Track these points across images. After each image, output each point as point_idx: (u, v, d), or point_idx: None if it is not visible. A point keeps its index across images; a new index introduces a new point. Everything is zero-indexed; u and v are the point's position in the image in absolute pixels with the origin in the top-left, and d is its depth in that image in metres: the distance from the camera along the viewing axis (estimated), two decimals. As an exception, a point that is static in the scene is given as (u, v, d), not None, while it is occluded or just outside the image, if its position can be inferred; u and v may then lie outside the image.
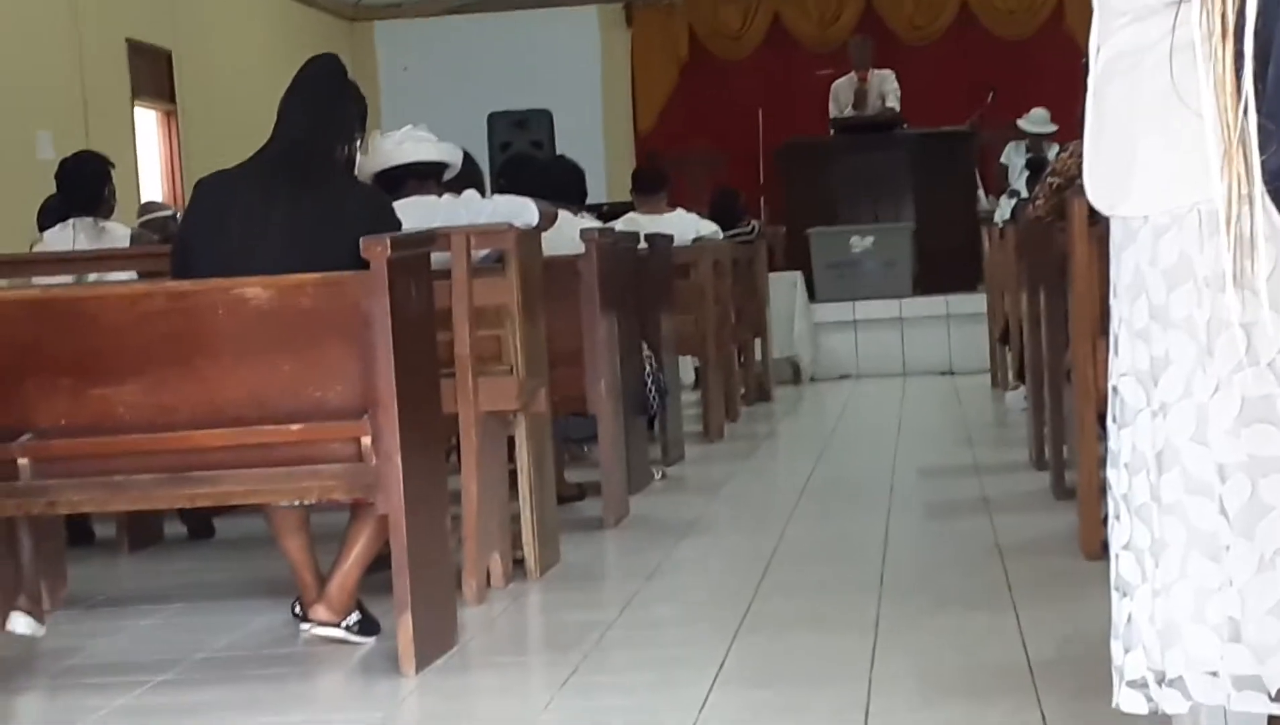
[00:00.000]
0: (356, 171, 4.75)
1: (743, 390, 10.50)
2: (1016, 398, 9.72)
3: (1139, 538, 2.38)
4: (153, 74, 12.28)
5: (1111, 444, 2.46)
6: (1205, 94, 2.00)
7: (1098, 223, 4.94)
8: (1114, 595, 2.42)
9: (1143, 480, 2.37)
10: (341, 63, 4.78)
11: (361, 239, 4.05)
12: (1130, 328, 2.40)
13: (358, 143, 4.66)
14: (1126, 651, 2.36)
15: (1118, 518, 2.44)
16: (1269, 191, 2.01)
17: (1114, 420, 2.46)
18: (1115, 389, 2.45)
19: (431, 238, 4.49)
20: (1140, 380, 2.38)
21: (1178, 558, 2.30)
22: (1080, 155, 6.25)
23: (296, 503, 4.53)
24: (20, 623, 4.47)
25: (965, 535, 5.62)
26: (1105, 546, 4.87)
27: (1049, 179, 5.90)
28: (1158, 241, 2.33)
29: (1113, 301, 2.47)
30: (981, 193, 14.58)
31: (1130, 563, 2.39)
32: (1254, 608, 2.24)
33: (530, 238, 5.28)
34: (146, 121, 12.32)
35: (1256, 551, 2.25)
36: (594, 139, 15.82)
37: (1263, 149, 1.99)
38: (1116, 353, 2.45)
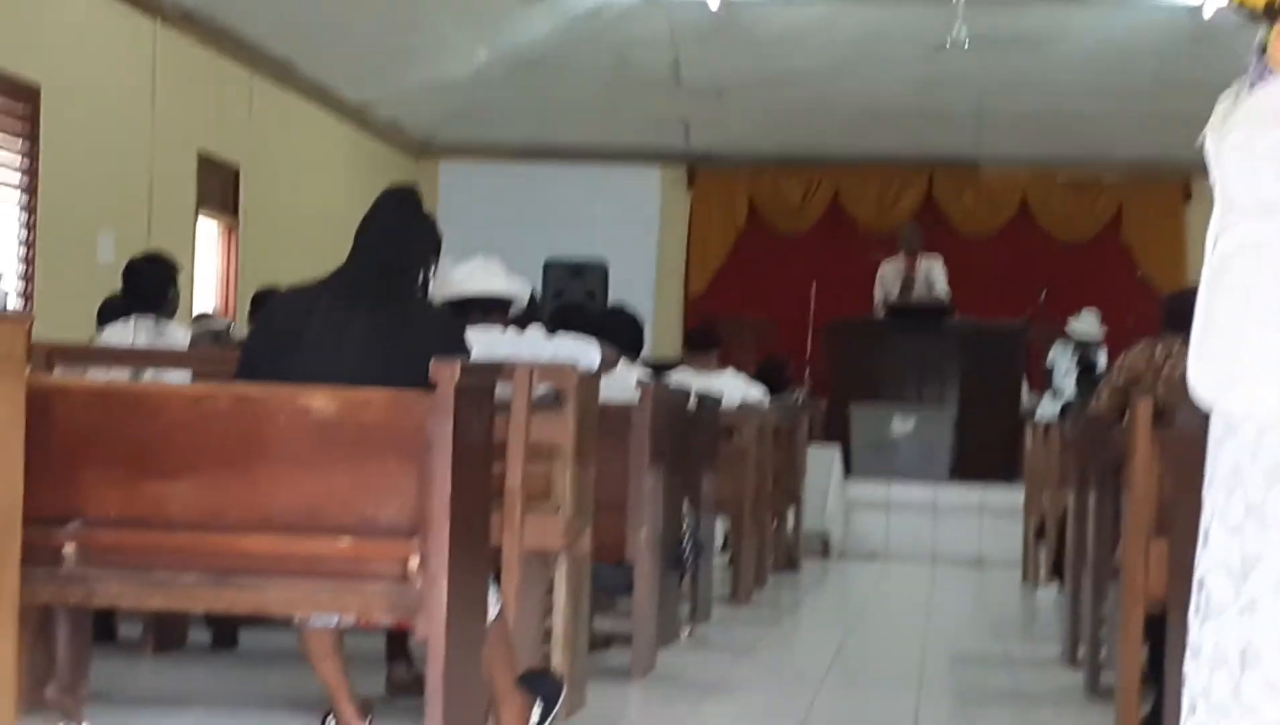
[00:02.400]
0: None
1: (771, 558, 10.42)
2: (1049, 594, 9.65)
3: (1215, 734, 2.34)
4: (219, 187, 12.40)
5: (1192, 637, 2.42)
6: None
7: (1160, 426, 4.91)
8: (1185, 790, 2.37)
9: (1225, 676, 2.33)
10: (419, 193, 4.84)
11: (431, 361, 4.05)
12: (1224, 522, 2.37)
13: (432, 270, 4.69)
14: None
15: (1193, 712, 2.40)
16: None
17: (1196, 612, 2.42)
18: (1201, 582, 2.42)
19: (499, 368, 4.49)
20: (1230, 575, 2.35)
21: (1254, 757, 2.26)
22: (1148, 355, 6.21)
23: (334, 622, 4.51)
24: None
25: (996, 726, 5.55)
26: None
27: (1114, 377, 5.87)
28: (1261, 438, 2.31)
29: (1206, 493, 2.45)
30: (1024, 388, 14.58)
31: (1205, 759, 2.34)
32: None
33: (590, 380, 5.28)
34: (208, 232, 12.42)
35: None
36: (645, 294, 15.90)
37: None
38: (1206, 545, 2.42)
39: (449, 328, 4.55)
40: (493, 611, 4.46)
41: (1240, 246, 2.37)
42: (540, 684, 4.76)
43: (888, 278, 14.48)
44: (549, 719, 4.74)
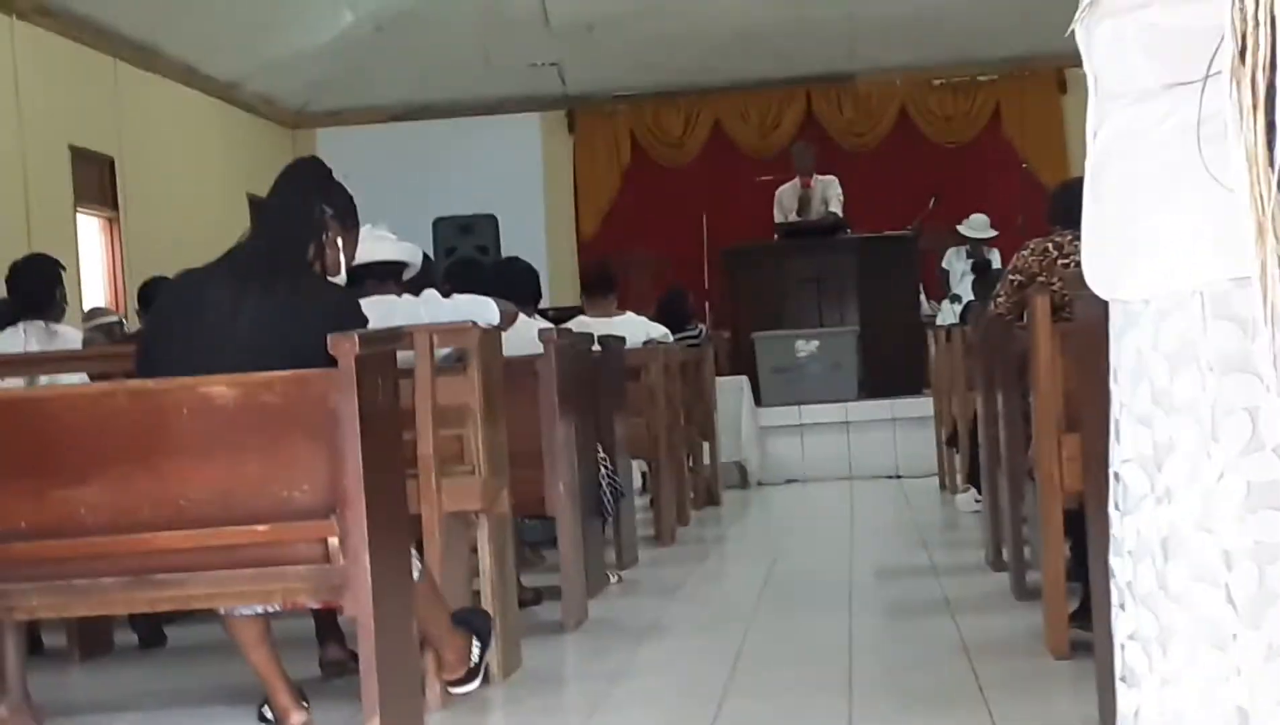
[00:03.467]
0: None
1: (691, 494, 10.45)
2: (966, 500, 9.71)
3: (1145, 627, 2.35)
4: (95, 180, 12.23)
5: (1114, 531, 2.43)
6: (1236, 168, 1.98)
7: (1060, 320, 4.94)
8: (1120, 686, 2.38)
9: (1148, 568, 2.34)
10: (319, 164, 4.80)
11: (329, 336, 4.01)
12: (1132, 413, 2.38)
13: (337, 240, 4.63)
14: (1136, 741, 2.32)
15: (1122, 607, 2.41)
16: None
17: (1116, 507, 2.43)
18: (1117, 475, 2.43)
19: (399, 335, 4.46)
20: (1144, 466, 2.35)
21: (1185, 647, 2.27)
22: (1042, 250, 6.23)
23: (259, 610, 4.47)
24: None
25: (930, 636, 5.59)
26: (1073, 645, 4.85)
27: (1010, 276, 5.91)
28: (1160, 325, 2.32)
29: (1113, 386, 2.45)
30: (923, 297, 14.66)
31: (1137, 652, 2.35)
32: (1262, 697, 2.22)
33: (492, 337, 5.25)
34: (88, 228, 12.24)
35: (1264, 640, 2.22)
36: (537, 243, 15.83)
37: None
38: (1118, 439, 2.42)
39: (343, 300, 4.50)
40: (415, 575, 4.44)
41: (1119, 134, 2.36)
42: (470, 620, 4.81)
43: (784, 200, 14.44)
44: (486, 651, 4.79)
